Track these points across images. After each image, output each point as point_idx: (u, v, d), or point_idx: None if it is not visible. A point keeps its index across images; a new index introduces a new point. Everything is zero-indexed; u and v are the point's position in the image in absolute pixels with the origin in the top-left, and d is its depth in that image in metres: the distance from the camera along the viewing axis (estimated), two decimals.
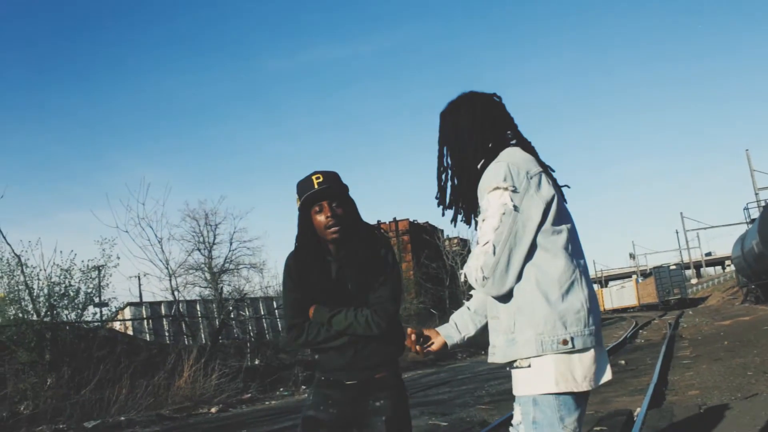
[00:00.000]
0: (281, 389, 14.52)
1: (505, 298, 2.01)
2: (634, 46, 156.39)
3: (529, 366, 1.95)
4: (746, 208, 34.32)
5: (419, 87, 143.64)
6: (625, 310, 61.01)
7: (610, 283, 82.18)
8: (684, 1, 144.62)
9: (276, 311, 19.75)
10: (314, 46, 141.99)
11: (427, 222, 35.25)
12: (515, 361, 1.99)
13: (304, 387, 14.75)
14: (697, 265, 75.44)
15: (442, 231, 33.71)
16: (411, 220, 35.53)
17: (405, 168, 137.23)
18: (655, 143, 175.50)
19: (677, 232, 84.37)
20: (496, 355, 2.06)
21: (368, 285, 2.57)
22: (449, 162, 2.23)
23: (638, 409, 6.48)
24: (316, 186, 2.50)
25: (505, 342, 2.01)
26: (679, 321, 25.11)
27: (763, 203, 33.12)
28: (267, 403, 12.70)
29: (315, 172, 2.56)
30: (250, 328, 18.72)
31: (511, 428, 2.06)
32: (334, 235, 2.52)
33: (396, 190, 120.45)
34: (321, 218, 2.52)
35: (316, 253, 2.59)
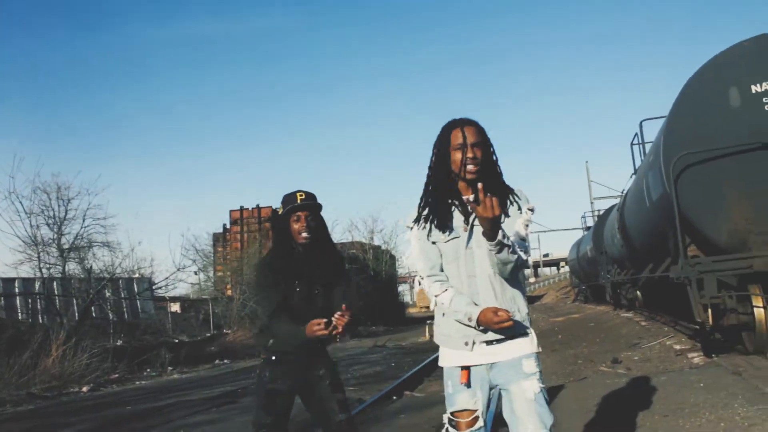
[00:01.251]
0: (148, 370, 14.68)
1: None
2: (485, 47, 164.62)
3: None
4: (584, 216, 37.90)
5: (285, 71, 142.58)
6: None
7: None
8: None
9: (139, 295, 19.59)
10: (188, 17, 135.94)
11: None
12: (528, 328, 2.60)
13: (171, 368, 14.98)
14: (536, 265, 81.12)
15: None
16: (274, 207, 35.81)
17: (270, 154, 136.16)
18: (507, 149, 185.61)
19: None
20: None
21: (330, 292, 3.36)
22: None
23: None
24: (299, 201, 3.25)
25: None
26: None
27: (597, 212, 36.77)
28: (137, 383, 12.88)
29: (299, 190, 3.30)
30: (115, 308, 18.47)
31: (533, 376, 2.52)
32: (304, 239, 3.24)
33: (259, 176, 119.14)
34: (296, 226, 3.25)
35: (292, 256, 3.30)
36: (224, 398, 9.17)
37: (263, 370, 3.35)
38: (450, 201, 2.58)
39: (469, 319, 2.43)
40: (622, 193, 16.55)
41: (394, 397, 7.83)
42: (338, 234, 34.56)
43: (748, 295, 7.44)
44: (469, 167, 2.51)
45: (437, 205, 2.59)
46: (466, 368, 2.50)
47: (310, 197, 3.31)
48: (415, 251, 2.62)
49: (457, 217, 2.58)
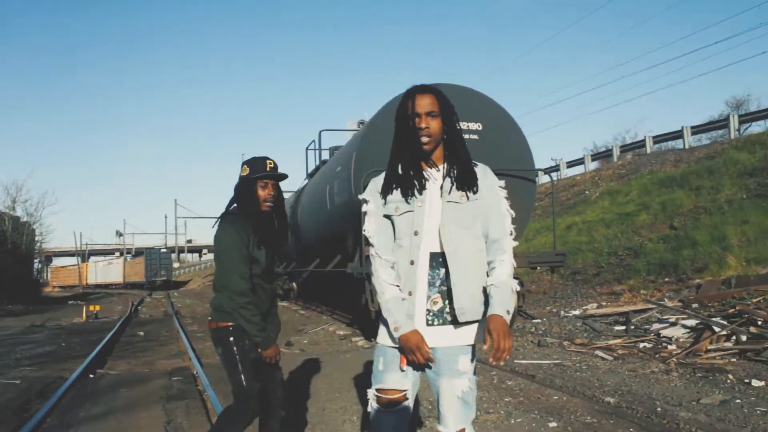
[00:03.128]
0: None
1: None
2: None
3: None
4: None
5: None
6: (108, 286, 61.52)
7: (93, 258, 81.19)
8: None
9: None
10: None
11: None
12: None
13: None
14: (180, 250, 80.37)
15: None
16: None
17: None
18: (161, 131, 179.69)
19: (166, 217, 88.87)
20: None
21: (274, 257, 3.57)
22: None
23: (191, 367, 8.16)
24: (268, 168, 3.33)
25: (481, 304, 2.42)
26: (172, 301, 27.57)
27: None
28: None
29: (267, 158, 3.38)
30: None
31: (465, 375, 2.41)
32: (268, 207, 3.36)
33: None
34: (262, 193, 3.33)
35: (255, 221, 3.34)
36: None
37: (241, 338, 3.30)
38: (411, 173, 2.42)
39: (395, 329, 2.35)
40: (297, 191, 18.17)
41: (91, 375, 7.82)
42: None
43: None
44: (423, 139, 2.38)
45: (394, 178, 2.46)
46: (404, 352, 2.38)
47: (277, 166, 3.39)
48: (372, 227, 2.50)
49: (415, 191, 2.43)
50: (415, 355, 2.31)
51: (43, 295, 38.47)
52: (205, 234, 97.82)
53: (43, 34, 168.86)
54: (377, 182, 2.53)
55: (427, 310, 2.40)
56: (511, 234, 2.47)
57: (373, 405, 2.47)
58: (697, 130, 24.05)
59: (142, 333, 13.80)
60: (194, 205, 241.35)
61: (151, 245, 69.38)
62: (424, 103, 2.37)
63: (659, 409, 5.00)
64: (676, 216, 14.75)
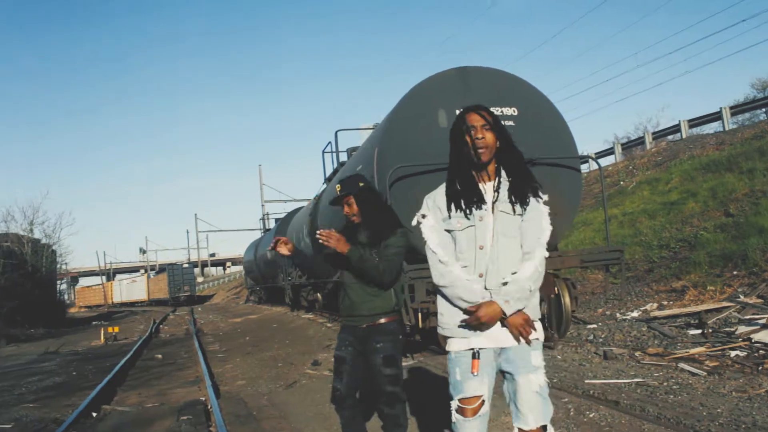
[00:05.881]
0: None
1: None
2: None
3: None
4: (262, 218, 38.62)
5: None
6: (134, 304, 61.20)
7: (118, 276, 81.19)
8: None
9: None
10: None
11: None
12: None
13: None
14: (203, 264, 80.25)
15: None
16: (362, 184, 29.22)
17: None
18: (177, 145, 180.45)
19: (188, 232, 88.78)
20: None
21: None
22: None
23: (206, 399, 7.17)
24: (337, 193, 3.92)
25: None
26: (195, 317, 26.74)
27: (272, 214, 37.76)
28: None
29: (338, 183, 3.98)
30: None
31: (540, 369, 2.58)
32: (356, 220, 3.88)
33: None
34: (347, 209, 3.90)
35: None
36: None
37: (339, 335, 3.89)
38: (470, 188, 2.60)
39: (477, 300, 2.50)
40: (315, 197, 17.08)
41: (94, 414, 6.85)
42: None
43: None
44: (480, 150, 2.56)
45: (455, 193, 2.62)
46: (476, 357, 2.53)
47: (343, 187, 3.94)
48: (433, 241, 2.65)
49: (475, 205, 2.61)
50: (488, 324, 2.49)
51: (68, 316, 37.99)
52: (228, 247, 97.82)
53: (59, 49, 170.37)
54: (435, 197, 2.71)
55: None
56: (544, 245, 2.58)
57: (456, 416, 2.58)
58: (736, 110, 22.67)
59: (159, 356, 12.92)
60: (215, 219, 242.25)
61: (175, 261, 69.14)
62: (476, 118, 2.58)
63: None
64: (730, 202, 13.46)
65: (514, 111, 8.64)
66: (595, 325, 9.45)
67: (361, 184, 3.87)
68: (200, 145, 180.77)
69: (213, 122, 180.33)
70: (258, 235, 40.91)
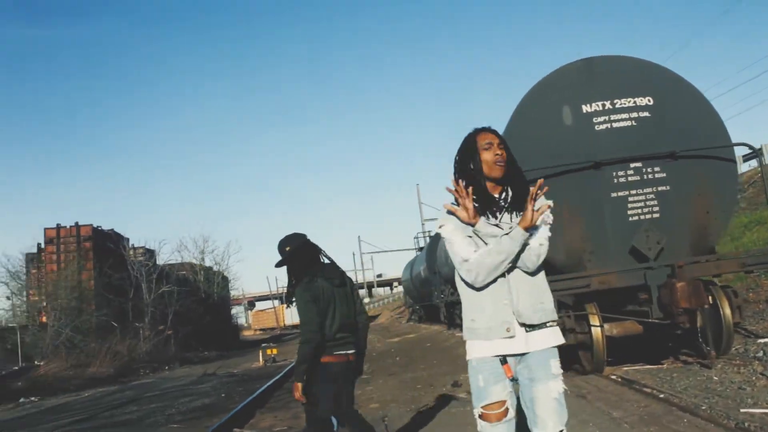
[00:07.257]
0: None
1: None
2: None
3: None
4: (416, 237, 38.88)
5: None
6: None
7: None
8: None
9: None
10: None
11: (112, 229, 33.00)
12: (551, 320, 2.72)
13: None
14: (370, 285, 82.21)
15: (127, 240, 31.91)
16: (95, 226, 32.95)
17: (92, 170, 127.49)
18: (337, 172, 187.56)
19: (354, 255, 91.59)
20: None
21: None
22: None
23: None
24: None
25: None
26: None
27: (429, 233, 37.85)
28: None
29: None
30: None
31: (559, 377, 2.66)
32: None
33: (79, 193, 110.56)
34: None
35: None
36: None
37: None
38: (489, 198, 2.77)
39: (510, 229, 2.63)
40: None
41: None
42: (166, 254, 32.51)
43: (585, 315, 7.48)
44: (499, 164, 2.75)
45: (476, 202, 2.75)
46: (505, 361, 2.63)
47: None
48: (457, 242, 2.72)
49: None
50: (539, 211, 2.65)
51: (241, 339, 40.40)
52: (393, 267, 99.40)
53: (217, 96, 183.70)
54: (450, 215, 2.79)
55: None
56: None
57: (481, 424, 2.62)
58: None
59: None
60: (378, 240, 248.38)
61: None
62: (492, 137, 2.81)
63: None
64: None
65: (648, 101, 7.83)
66: (767, 339, 8.19)
67: (288, 248, 4.23)
68: (356, 167, 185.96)
69: (369, 141, 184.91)
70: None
